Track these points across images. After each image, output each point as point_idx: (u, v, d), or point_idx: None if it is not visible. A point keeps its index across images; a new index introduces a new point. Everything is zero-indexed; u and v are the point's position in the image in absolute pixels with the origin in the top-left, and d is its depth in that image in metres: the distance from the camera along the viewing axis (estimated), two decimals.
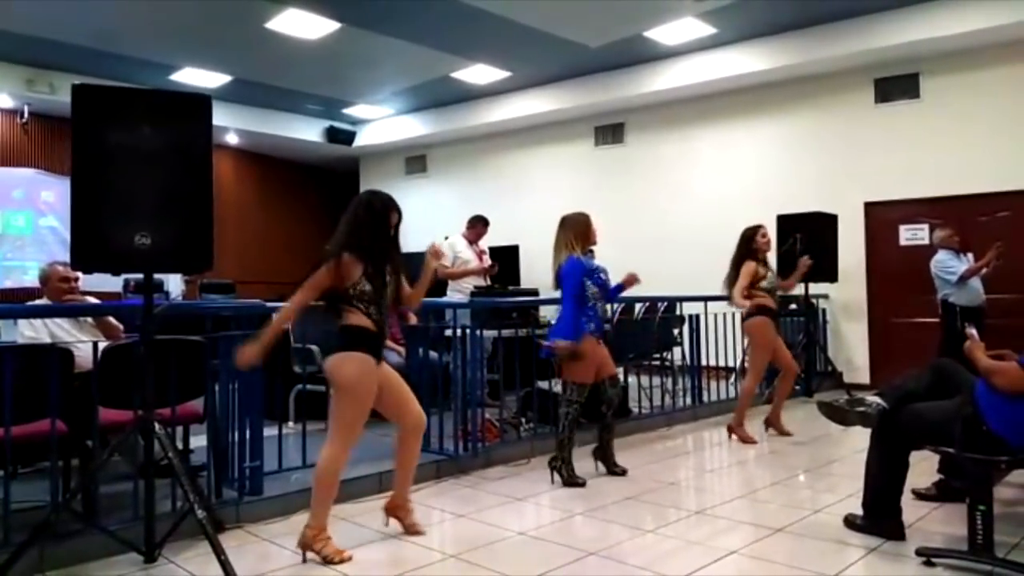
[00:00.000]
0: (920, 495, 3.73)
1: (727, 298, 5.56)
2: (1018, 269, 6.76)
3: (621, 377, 5.82)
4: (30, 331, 3.73)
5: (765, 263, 5.50)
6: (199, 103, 2.98)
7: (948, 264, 6.81)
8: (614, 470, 4.42)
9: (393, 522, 3.38)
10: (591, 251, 4.41)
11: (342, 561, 2.99)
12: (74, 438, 3.18)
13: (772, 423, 5.62)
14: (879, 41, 7.60)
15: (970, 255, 6.88)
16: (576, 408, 4.23)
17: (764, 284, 5.41)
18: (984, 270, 6.75)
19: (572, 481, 4.19)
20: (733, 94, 8.97)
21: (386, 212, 3.16)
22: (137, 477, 3.09)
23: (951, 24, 7.19)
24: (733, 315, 6.79)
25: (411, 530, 3.34)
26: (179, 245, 2.90)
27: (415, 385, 4.63)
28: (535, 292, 8.51)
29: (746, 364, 7.57)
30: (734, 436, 5.49)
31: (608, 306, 4.56)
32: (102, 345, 3.22)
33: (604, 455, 4.46)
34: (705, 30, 8.01)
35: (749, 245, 5.43)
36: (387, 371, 3.20)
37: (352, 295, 3.05)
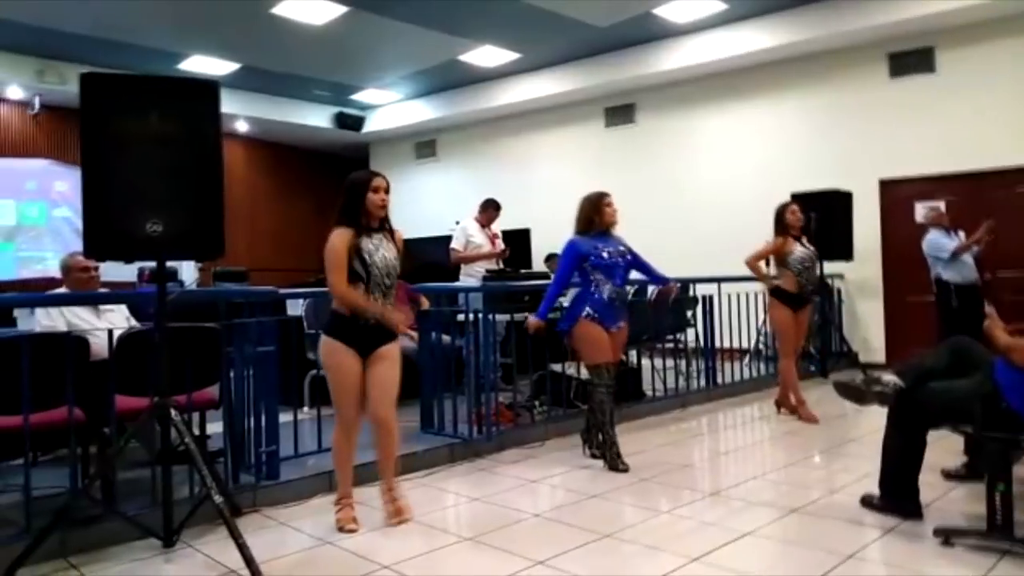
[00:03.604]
0: (949, 475, 3.70)
1: (752, 279, 5.59)
2: None
3: (634, 360, 5.87)
4: (47, 320, 3.76)
5: (798, 239, 5.45)
6: (207, 89, 2.98)
7: (939, 242, 6.84)
8: (594, 453, 4.34)
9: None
10: (604, 231, 4.26)
11: (342, 530, 3.18)
12: (91, 425, 3.21)
13: (783, 403, 5.60)
14: (892, 15, 7.46)
15: (961, 233, 6.88)
16: (602, 391, 4.16)
17: (793, 259, 5.36)
18: (976, 247, 6.73)
19: (615, 466, 4.13)
20: (745, 72, 8.86)
21: (365, 180, 3.22)
22: (154, 463, 3.12)
23: None
24: (747, 296, 6.76)
25: (394, 517, 3.29)
26: (191, 232, 2.90)
27: (427, 368, 4.69)
28: (547, 275, 8.47)
29: (760, 346, 7.56)
30: (783, 409, 5.56)
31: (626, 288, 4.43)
32: (117, 332, 3.25)
33: (588, 436, 4.40)
34: (716, 6, 7.90)
35: (781, 222, 5.42)
36: (377, 365, 3.21)
37: (356, 272, 3.14)
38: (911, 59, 7.87)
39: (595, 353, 4.17)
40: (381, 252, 3.20)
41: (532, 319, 4.24)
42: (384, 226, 3.29)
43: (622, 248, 4.28)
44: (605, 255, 4.17)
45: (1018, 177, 7.31)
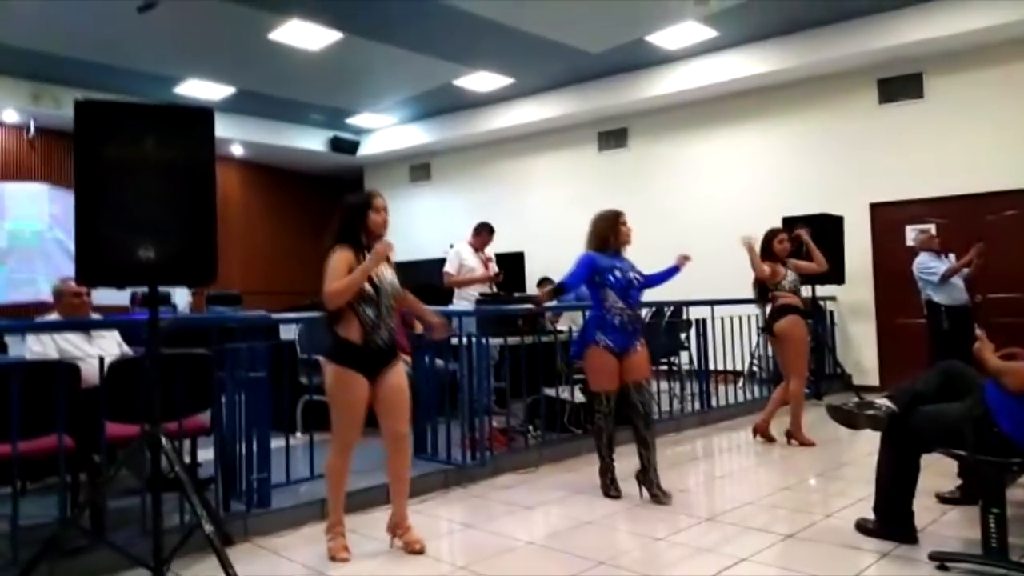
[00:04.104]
0: (944, 499, 3.70)
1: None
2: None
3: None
4: (38, 346, 3.75)
5: (785, 265, 5.47)
6: (201, 116, 2.98)
7: (928, 265, 6.91)
8: (655, 493, 3.97)
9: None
10: (617, 251, 4.19)
11: (335, 559, 3.14)
12: (81, 453, 3.18)
13: (761, 431, 5.57)
14: (881, 42, 7.58)
15: (951, 256, 6.93)
16: (600, 417, 4.06)
17: (785, 283, 5.39)
18: (966, 269, 6.79)
19: (606, 492, 4.09)
20: (736, 97, 8.96)
21: (365, 202, 3.23)
22: (145, 492, 3.09)
23: (953, 23, 7.17)
24: (740, 319, 6.78)
25: (409, 547, 3.25)
26: (183, 258, 2.90)
27: (421, 393, 4.66)
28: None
29: (756, 367, 7.54)
30: (793, 440, 5.38)
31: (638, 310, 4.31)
32: (109, 359, 3.23)
33: (645, 477, 4.03)
34: (706, 33, 8.00)
35: (768, 249, 5.44)
36: (387, 383, 3.19)
37: (360, 295, 3.10)
38: (900, 85, 7.98)
39: (597, 380, 4.10)
40: (386, 272, 3.21)
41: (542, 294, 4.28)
42: None
43: (635, 272, 4.19)
44: (620, 275, 4.09)
45: (1006, 200, 7.38)
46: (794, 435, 5.41)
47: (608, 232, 4.18)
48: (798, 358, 5.40)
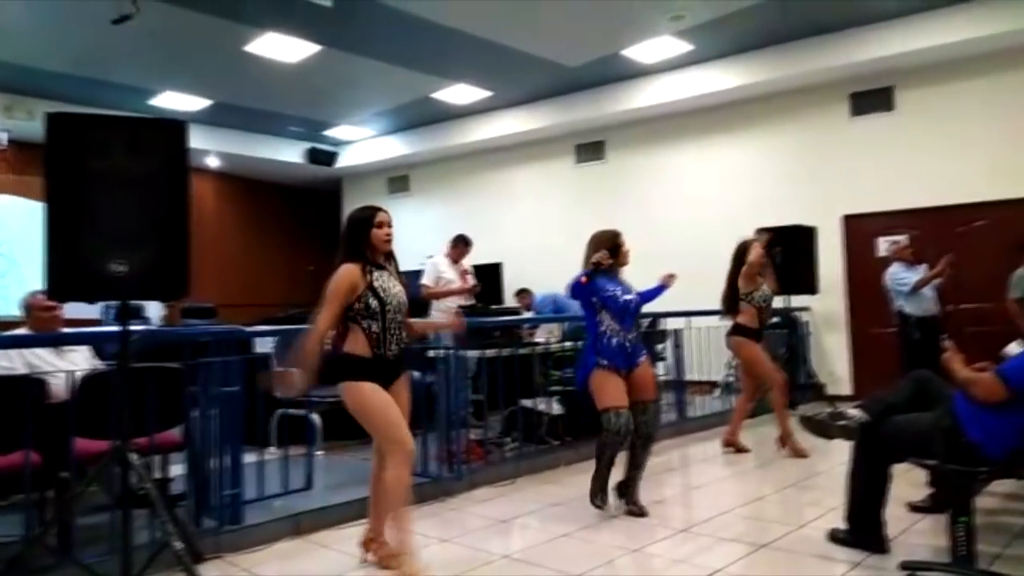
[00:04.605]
0: (915, 507, 3.75)
1: (719, 312, 5.62)
2: (995, 278, 6.85)
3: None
4: (5, 361, 3.67)
5: (760, 275, 5.52)
6: (175, 129, 2.96)
7: (900, 276, 7.01)
8: (631, 509, 3.98)
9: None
10: (606, 270, 4.03)
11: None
12: (49, 469, 3.12)
13: (730, 443, 5.65)
14: (853, 56, 7.73)
15: (924, 267, 7.03)
16: (608, 436, 3.88)
17: (758, 295, 5.45)
18: (938, 280, 6.89)
19: (593, 499, 4.00)
20: (711, 110, 9.07)
21: (369, 216, 3.21)
22: (114, 508, 3.04)
23: (922, 39, 7.33)
24: (716, 330, 6.83)
25: (384, 563, 3.19)
26: (155, 272, 2.87)
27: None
28: (518, 311, 8.47)
29: (732, 377, 7.61)
30: (785, 447, 5.44)
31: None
32: (79, 373, 3.18)
33: (626, 491, 4.04)
34: (682, 47, 8.10)
35: (741, 260, 5.48)
36: (397, 392, 3.17)
37: (356, 311, 3.07)
38: (871, 99, 8.12)
39: (603, 397, 3.95)
40: (393, 287, 3.18)
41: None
42: (391, 261, 3.28)
43: (631, 295, 4.10)
44: (619, 295, 4.01)
45: (975, 212, 7.53)
46: (786, 440, 5.44)
47: (607, 249, 4.03)
48: (764, 372, 5.51)
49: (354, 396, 3.06)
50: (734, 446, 5.59)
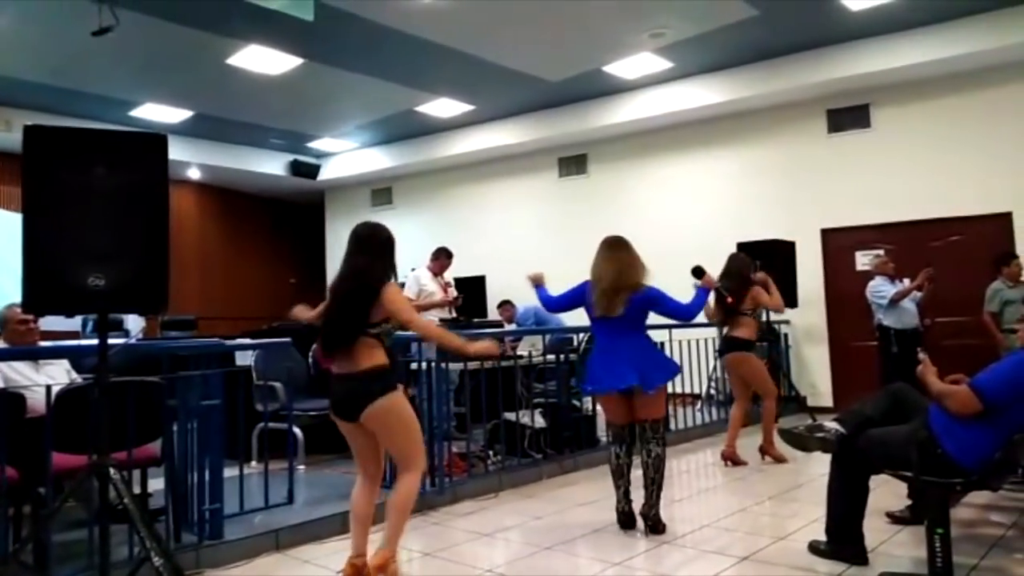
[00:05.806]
0: (895, 518, 3.79)
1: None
2: (970, 292, 6.97)
3: (589, 408, 5.88)
4: None
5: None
6: (154, 142, 2.95)
7: (880, 289, 7.12)
8: (649, 526, 3.85)
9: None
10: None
11: None
12: (26, 485, 3.08)
13: (729, 456, 5.66)
14: (830, 73, 7.87)
15: (905, 280, 7.13)
16: (613, 449, 3.98)
17: (759, 309, 5.64)
18: (918, 293, 7.00)
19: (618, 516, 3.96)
20: (691, 125, 9.18)
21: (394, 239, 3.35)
22: (92, 524, 3.00)
23: (899, 57, 7.48)
24: (698, 342, 6.88)
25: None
26: (134, 285, 2.84)
27: None
28: (500, 324, 8.49)
29: (712, 391, 7.65)
30: (767, 456, 5.60)
31: None
32: (57, 387, 3.15)
33: (646, 511, 3.87)
34: (662, 64, 8.20)
35: (743, 274, 5.63)
36: None
37: (392, 326, 3.10)
38: (848, 115, 8.27)
39: (605, 413, 4.11)
40: None
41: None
42: None
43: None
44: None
45: (950, 226, 7.67)
46: (768, 450, 5.58)
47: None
48: (766, 382, 5.66)
49: (403, 405, 3.08)
50: (732, 460, 5.59)
